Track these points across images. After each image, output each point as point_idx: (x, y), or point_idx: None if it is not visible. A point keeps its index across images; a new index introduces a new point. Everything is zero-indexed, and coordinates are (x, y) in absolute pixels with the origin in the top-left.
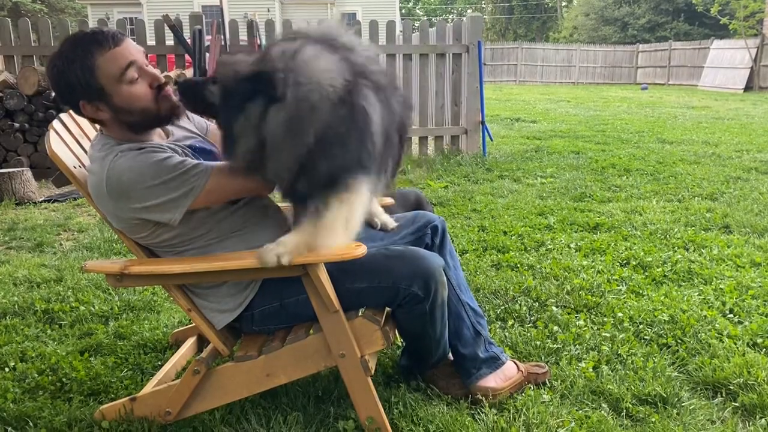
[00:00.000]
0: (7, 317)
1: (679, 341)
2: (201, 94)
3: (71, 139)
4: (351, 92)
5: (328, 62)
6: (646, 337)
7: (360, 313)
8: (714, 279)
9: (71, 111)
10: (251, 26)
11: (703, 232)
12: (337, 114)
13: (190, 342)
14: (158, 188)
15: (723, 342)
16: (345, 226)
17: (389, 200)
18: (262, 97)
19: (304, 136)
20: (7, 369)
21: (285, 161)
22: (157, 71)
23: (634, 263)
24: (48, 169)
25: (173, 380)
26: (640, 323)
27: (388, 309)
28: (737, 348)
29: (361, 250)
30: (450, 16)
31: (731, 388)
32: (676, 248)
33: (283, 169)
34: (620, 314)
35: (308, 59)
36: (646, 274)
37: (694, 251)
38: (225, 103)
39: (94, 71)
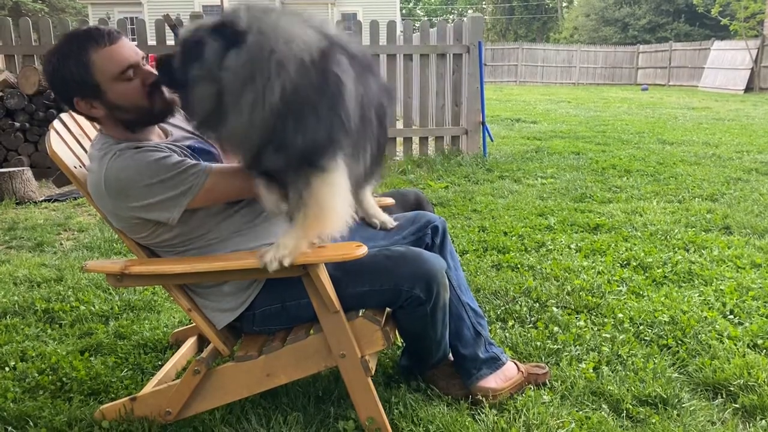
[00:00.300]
0: (8, 317)
1: (680, 342)
2: (172, 65)
3: (72, 138)
4: (324, 57)
5: (301, 28)
6: (646, 338)
7: (360, 314)
8: (714, 280)
9: (71, 110)
10: None
11: (703, 233)
12: (308, 77)
13: (191, 342)
14: (156, 187)
15: (723, 343)
16: (334, 209)
17: (389, 200)
18: (221, 41)
19: (268, 90)
20: (7, 368)
21: (247, 118)
22: (151, 69)
23: (634, 264)
24: (48, 168)
25: (173, 380)
26: (641, 324)
27: (388, 309)
28: (738, 349)
29: (362, 250)
30: (450, 17)
31: (732, 389)
32: (676, 249)
33: (245, 129)
34: (621, 315)
35: (280, 20)
36: (647, 275)
37: (694, 252)
38: (184, 57)
39: (88, 67)
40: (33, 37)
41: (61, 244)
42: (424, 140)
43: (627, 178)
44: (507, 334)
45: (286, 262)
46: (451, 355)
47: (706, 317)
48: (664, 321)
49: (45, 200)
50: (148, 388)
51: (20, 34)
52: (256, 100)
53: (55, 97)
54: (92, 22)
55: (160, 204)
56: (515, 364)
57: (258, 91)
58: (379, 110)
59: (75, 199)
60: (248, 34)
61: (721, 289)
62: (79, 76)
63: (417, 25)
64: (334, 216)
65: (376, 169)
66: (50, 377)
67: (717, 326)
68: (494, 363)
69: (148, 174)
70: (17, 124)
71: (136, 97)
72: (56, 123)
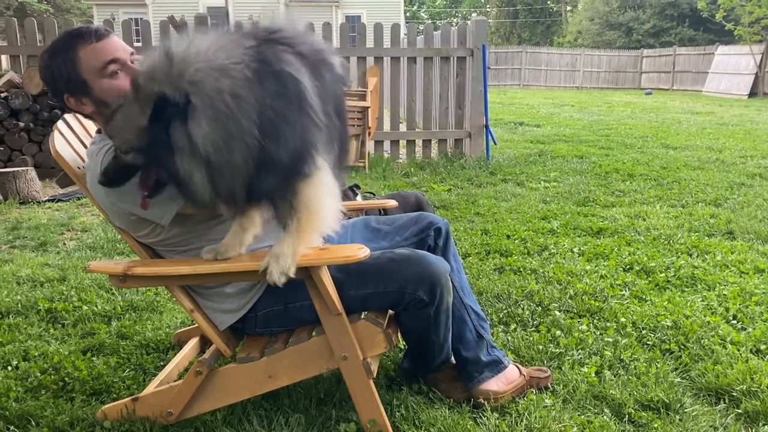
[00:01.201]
0: (10, 316)
1: (682, 347)
2: (124, 168)
3: (75, 139)
4: (268, 61)
5: (208, 42)
6: (648, 342)
7: (363, 316)
8: (717, 285)
9: (64, 107)
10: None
11: (706, 237)
12: (265, 89)
13: (193, 343)
14: None
15: (726, 348)
16: (325, 208)
17: (392, 202)
18: (173, 123)
19: (245, 131)
20: (9, 368)
21: (242, 168)
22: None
23: (637, 268)
24: (52, 168)
25: (175, 381)
26: (643, 328)
27: (390, 311)
28: (740, 354)
29: (364, 252)
30: (454, 20)
31: (734, 394)
32: (679, 254)
33: (243, 176)
34: (623, 319)
35: (185, 52)
36: (650, 279)
37: (697, 257)
38: (150, 156)
39: (76, 64)
40: (38, 37)
41: (65, 244)
42: (427, 143)
43: (630, 183)
44: (509, 338)
45: (292, 273)
46: (453, 357)
47: (709, 322)
48: (667, 325)
49: (48, 200)
50: (150, 388)
51: (25, 35)
52: (242, 146)
53: (50, 94)
54: (97, 22)
55: (150, 206)
56: (517, 367)
57: (240, 139)
58: (337, 102)
59: (78, 199)
60: (184, 95)
61: (724, 294)
62: (66, 73)
63: (421, 28)
64: (325, 215)
65: (341, 165)
66: (52, 377)
67: (720, 331)
68: (496, 366)
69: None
70: (21, 124)
71: (122, 93)
72: (60, 123)
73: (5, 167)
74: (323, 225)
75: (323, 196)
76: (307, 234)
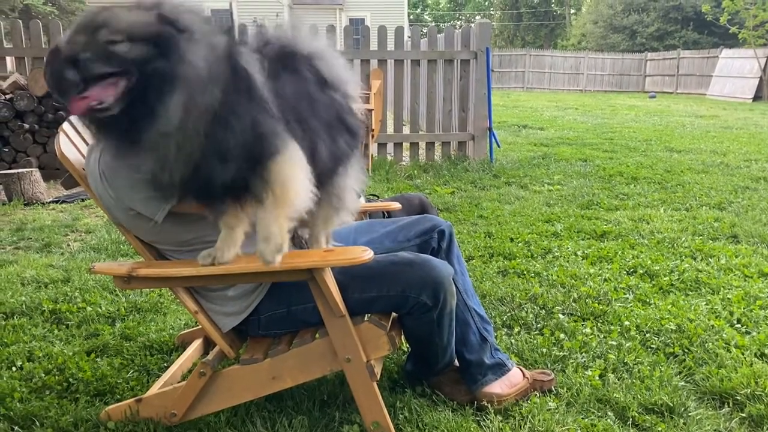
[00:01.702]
0: (15, 317)
1: (686, 350)
2: (105, 58)
3: (80, 140)
4: (229, 55)
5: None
6: (652, 345)
7: (366, 318)
8: (722, 289)
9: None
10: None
11: (710, 241)
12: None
13: (196, 344)
14: (140, 184)
15: (730, 352)
16: (297, 179)
17: (396, 205)
18: (181, 44)
19: (214, 99)
20: (14, 368)
21: (198, 139)
22: None
23: (641, 272)
24: (57, 170)
25: (179, 382)
26: (647, 332)
27: (394, 314)
28: (745, 358)
29: (368, 254)
30: (458, 23)
31: (738, 398)
32: (683, 257)
33: (198, 148)
34: (627, 323)
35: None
36: (653, 282)
37: (701, 260)
38: (147, 56)
39: None
40: (43, 39)
41: (69, 245)
42: (430, 145)
43: (634, 186)
44: (513, 341)
45: (286, 248)
46: (456, 360)
47: (713, 326)
48: (671, 329)
49: (53, 201)
50: (154, 389)
51: (30, 37)
52: (204, 116)
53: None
54: None
55: (144, 202)
56: (521, 370)
57: (207, 103)
58: (307, 111)
59: (83, 200)
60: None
61: (728, 298)
62: None
63: (425, 31)
64: (298, 186)
65: (326, 182)
66: (57, 377)
67: (724, 335)
68: (500, 369)
69: (135, 169)
70: (26, 126)
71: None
72: (65, 125)
73: (10, 168)
74: (298, 198)
75: (294, 169)
76: (286, 206)
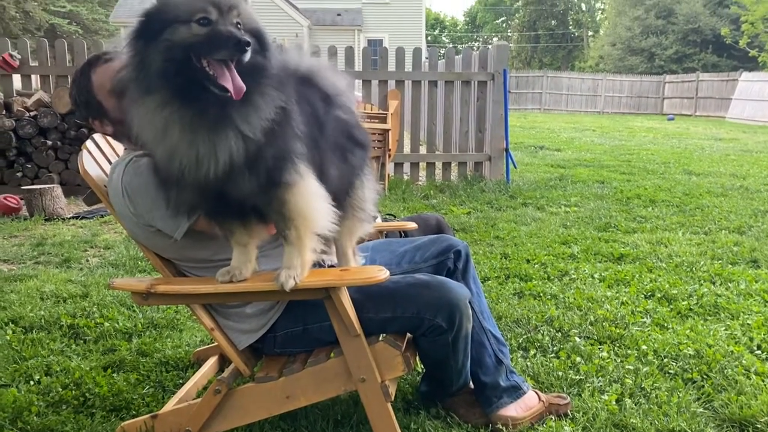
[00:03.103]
0: (34, 331)
1: (705, 376)
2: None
3: (103, 158)
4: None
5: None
6: (670, 371)
7: (381, 338)
8: (741, 314)
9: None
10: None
11: (730, 265)
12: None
13: (212, 361)
14: (160, 201)
15: (750, 378)
16: (317, 211)
17: (412, 225)
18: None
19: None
20: (32, 382)
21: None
22: None
23: (659, 295)
24: (78, 186)
25: (194, 399)
26: (665, 357)
27: (409, 334)
28: (765, 385)
29: (384, 274)
30: (476, 44)
31: (758, 426)
32: (702, 281)
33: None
34: (644, 347)
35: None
36: (671, 306)
37: (720, 285)
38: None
39: (90, 88)
40: (67, 58)
41: (88, 260)
42: (447, 165)
43: (652, 209)
44: (529, 363)
45: (299, 279)
46: (471, 382)
47: (732, 352)
48: (689, 354)
49: (73, 217)
50: (169, 406)
51: (55, 55)
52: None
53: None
54: (105, 43)
55: (163, 220)
56: (536, 393)
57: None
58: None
59: (102, 216)
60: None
61: (748, 324)
62: (84, 97)
63: (442, 52)
64: (319, 217)
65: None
66: (74, 392)
67: (744, 361)
68: (515, 391)
69: (154, 186)
70: (49, 142)
71: None
72: (89, 143)
73: (32, 184)
74: (319, 227)
75: (312, 200)
76: (307, 239)
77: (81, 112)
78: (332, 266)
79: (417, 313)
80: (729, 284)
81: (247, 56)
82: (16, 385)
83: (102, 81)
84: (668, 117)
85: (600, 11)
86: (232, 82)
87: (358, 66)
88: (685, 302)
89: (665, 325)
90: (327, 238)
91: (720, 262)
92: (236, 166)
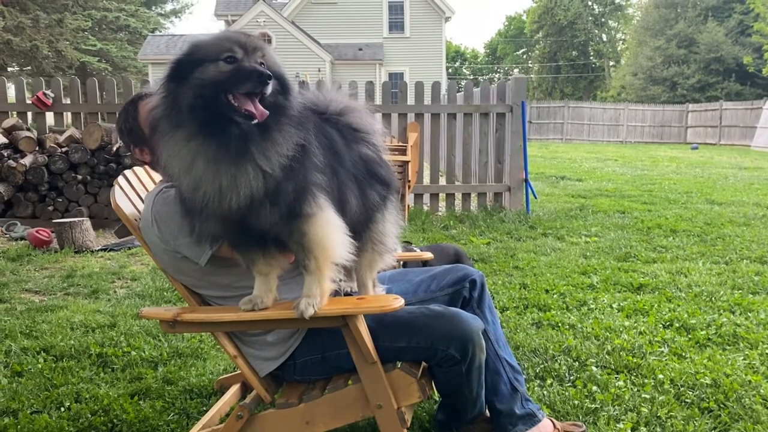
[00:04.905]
0: (64, 360)
1: (722, 406)
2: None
3: (133, 193)
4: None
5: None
6: (687, 400)
7: (397, 366)
8: (760, 344)
9: (134, 167)
10: (302, 86)
11: (750, 295)
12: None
13: (234, 389)
14: (186, 228)
15: None
16: (336, 241)
17: (428, 255)
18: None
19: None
20: (62, 409)
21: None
22: None
23: (677, 325)
24: (106, 219)
25: (217, 425)
26: (682, 386)
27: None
28: None
29: (399, 303)
30: (496, 75)
31: None
32: (721, 311)
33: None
34: (661, 376)
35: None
36: (690, 336)
37: (740, 314)
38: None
39: (136, 117)
40: (98, 95)
41: (115, 291)
42: (466, 196)
43: (673, 238)
44: (545, 392)
45: (318, 307)
46: (487, 410)
47: (750, 381)
48: (706, 383)
49: (101, 249)
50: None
51: (86, 92)
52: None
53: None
54: (152, 80)
55: (188, 246)
56: (551, 421)
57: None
58: (361, 164)
59: (129, 248)
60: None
61: (767, 353)
62: (128, 125)
63: (461, 85)
64: (337, 248)
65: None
66: (102, 418)
67: (762, 390)
68: (530, 419)
69: (181, 215)
70: (79, 177)
71: None
72: (120, 178)
73: (62, 218)
74: (338, 257)
75: (331, 232)
76: (326, 269)
77: (125, 139)
78: (348, 293)
79: (431, 343)
80: (749, 314)
81: (269, 89)
82: (47, 412)
83: (145, 113)
84: (692, 146)
85: (621, 41)
86: (254, 107)
87: (378, 99)
88: (703, 332)
89: (683, 354)
90: (347, 267)
91: (740, 291)
92: (256, 198)
